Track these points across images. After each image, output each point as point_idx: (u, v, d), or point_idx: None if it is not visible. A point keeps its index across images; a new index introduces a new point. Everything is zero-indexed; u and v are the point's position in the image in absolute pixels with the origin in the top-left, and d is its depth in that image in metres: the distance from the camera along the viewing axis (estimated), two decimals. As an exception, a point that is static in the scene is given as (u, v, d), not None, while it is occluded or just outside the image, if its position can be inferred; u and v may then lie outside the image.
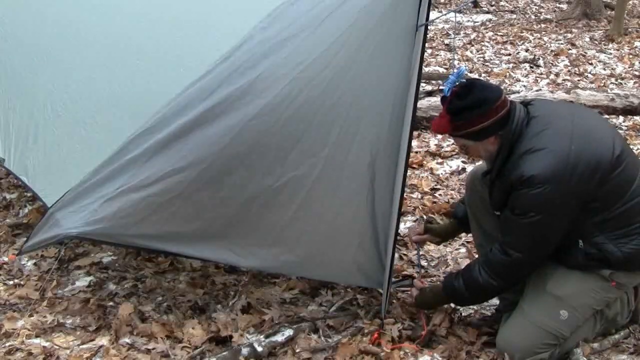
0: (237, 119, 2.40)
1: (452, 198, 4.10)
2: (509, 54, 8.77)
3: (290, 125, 2.43)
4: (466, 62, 8.23)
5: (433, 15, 2.54)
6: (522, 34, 10.16)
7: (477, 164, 2.91)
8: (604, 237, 2.38)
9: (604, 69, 8.05)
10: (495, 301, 2.86)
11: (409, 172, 3.42)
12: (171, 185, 2.45)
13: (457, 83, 2.36)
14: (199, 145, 2.42)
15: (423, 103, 5.44)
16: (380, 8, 2.39)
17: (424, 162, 4.78)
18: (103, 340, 2.59)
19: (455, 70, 2.38)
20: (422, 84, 5.32)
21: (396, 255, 2.93)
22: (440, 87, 6.15)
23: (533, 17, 12.16)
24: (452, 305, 2.88)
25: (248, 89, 2.38)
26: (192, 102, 2.43)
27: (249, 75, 2.38)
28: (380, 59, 2.44)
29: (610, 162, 2.32)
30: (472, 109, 2.33)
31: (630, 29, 10.45)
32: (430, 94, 5.77)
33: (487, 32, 10.28)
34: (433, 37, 9.57)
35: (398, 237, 2.75)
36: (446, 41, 9.42)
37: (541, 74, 7.78)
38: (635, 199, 2.38)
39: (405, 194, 2.68)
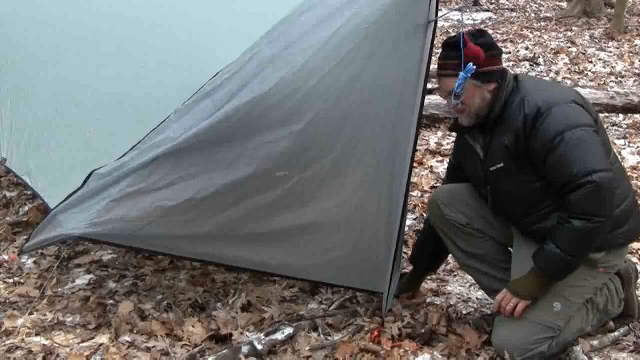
0: (248, 133, 2.42)
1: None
2: (509, 52, 8.77)
3: (300, 137, 2.45)
4: (466, 61, 8.22)
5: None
6: (522, 32, 10.17)
7: (433, 193, 2.97)
8: None
9: (604, 67, 8.07)
10: (494, 301, 2.86)
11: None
12: (181, 190, 2.47)
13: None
14: (211, 156, 2.44)
15: (423, 101, 5.44)
16: (392, 16, 2.38)
17: (424, 160, 4.79)
18: (103, 339, 2.59)
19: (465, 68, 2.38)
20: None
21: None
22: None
23: (533, 15, 12.17)
24: (451, 302, 2.89)
25: (258, 104, 2.39)
26: (202, 114, 2.44)
27: (259, 89, 2.38)
28: (390, 61, 2.44)
29: (596, 116, 2.45)
30: (486, 46, 2.42)
31: (630, 27, 10.46)
32: (430, 92, 5.76)
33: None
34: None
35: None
36: (446, 40, 9.42)
37: (541, 72, 7.79)
38: (615, 164, 2.47)
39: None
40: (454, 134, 5.24)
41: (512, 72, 2.54)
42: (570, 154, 2.29)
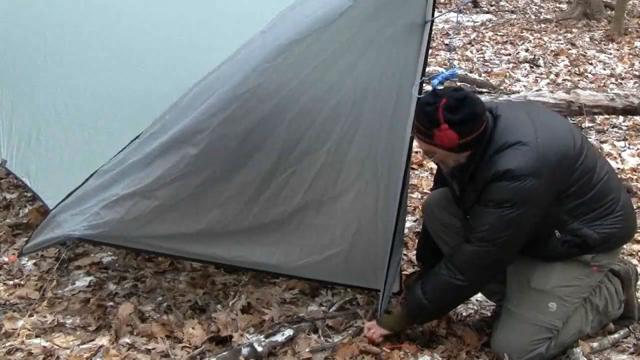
0: (242, 123, 2.43)
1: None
2: (509, 54, 8.78)
3: (294, 123, 2.48)
4: (466, 62, 8.23)
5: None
6: (522, 34, 10.17)
7: (427, 197, 2.97)
8: (578, 223, 2.42)
9: (604, 69, 8.07)
10: (493, 303, 2.86)
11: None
12: (178, 189, 2.49)
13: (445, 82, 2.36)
14: (205, 150, 2.44)
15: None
16: (386, 13, 2.39)
17: (424, 162, 4.78)
18: (103, 340, 2.59)
19: (450, 69, 2.37)
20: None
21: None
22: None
23: (533, 17, 12.17)
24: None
25: (253, 95, 2.39)
26: (193, 106, 2.44)
27: (254, 81, 2.38)
28: (384, 58, 2.46)
29: (574, 151, 2.38)
30: (463, 124, 2.29)
31: (630, 29, 10.46)
32: (430, 94, 5.76)
33: (487, 32, 10.29)
34: (433, 37, 9.55)
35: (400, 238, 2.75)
36: (446, 41, 9.43)
37: (541, 74, 7.79)
38: (599, 183, 2.44)
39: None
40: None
41: (492, 113, 2.39)
42: (490, 218, 2.32)
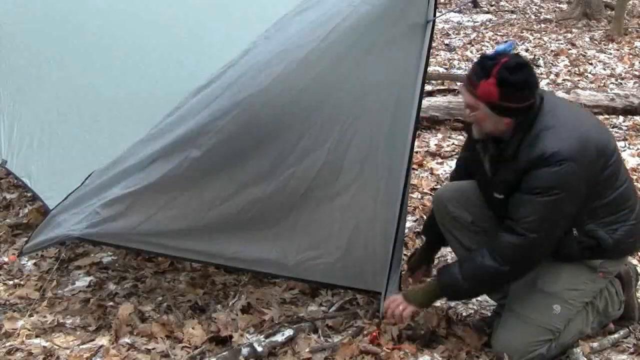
0: (246, 126, 2.44)
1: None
2: (509, 54, 8.76)
3: (297, 125, 2.49)
4: (466, 62, 8.22)
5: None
6: (522, 34, 10.16)
7: (439, 189, 2.95)
8: (595, 225, 2.43)
9: (604, 69, 8.06)
10: (493, 302, 2.86)
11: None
12: (178, 188, 2.49)
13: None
14: (208, 152, 2.45)
15: (423, 103, 5.43)
16: (389, 15, 2.39)
17: (424, 162, 4.78)
18: (103, 340, 2.59)
19: (506, 44, 2.38)
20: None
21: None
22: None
23: (533, 17, 12.16)
24: (451, 304, 2.88)
25: (255, 101, 2.41)
26: (196, 110, 2.45)
27: (257, 87, 2.40)
28: (386, 59, 2.46)
29: (610, 148, 2.41)
30: (514, 86, 2.30)
31: (630, 29, 10.46)
32: (430, 94, 5.76)
33: (487, 32, 10.28)
34: (433, 37, 9.56)
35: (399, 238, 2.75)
36: (446, 41, 9.43)
37: (541, 74, 7.78)
38: (620, 187, 2.45)
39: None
40: (454, 135, 5.29)
41: (541, 95, 2.41)
42: (537, 207, 2.31)
